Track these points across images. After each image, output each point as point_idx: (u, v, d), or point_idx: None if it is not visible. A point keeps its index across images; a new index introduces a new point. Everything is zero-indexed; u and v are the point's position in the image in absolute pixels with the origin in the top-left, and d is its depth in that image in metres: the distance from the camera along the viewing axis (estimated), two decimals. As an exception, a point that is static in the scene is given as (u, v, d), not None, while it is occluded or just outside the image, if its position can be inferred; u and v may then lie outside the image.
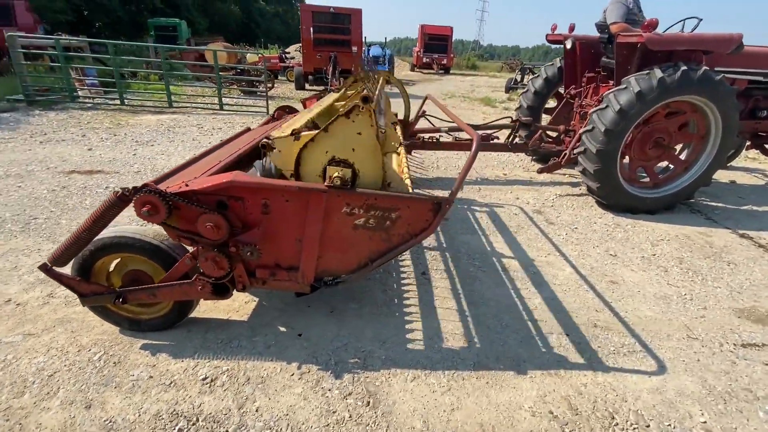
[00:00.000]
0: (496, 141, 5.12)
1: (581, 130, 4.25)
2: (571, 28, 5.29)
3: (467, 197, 4.62)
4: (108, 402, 1.82)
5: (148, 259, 2.04)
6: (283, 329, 2.33)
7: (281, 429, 1.74)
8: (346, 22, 13.14)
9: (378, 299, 2.67)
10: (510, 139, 5.12)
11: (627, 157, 4.37)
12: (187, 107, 9.51)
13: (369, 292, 2.74)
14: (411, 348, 2.25)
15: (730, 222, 4.31)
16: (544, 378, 2.10)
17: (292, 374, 2.02)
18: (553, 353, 2.28)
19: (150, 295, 2.04)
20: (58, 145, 5.84)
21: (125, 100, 9.22)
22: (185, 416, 1.77)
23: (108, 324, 2.23)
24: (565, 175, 5.60)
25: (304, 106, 4.08)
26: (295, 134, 1.94)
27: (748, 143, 5.58)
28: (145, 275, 2.11)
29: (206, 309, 2.45)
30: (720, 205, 4.79)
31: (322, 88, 11.58)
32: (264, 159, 2.21)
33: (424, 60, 26.37)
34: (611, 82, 4.61)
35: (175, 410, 1.79)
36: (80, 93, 9.38)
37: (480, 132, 4.99)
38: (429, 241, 3.47)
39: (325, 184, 1.88)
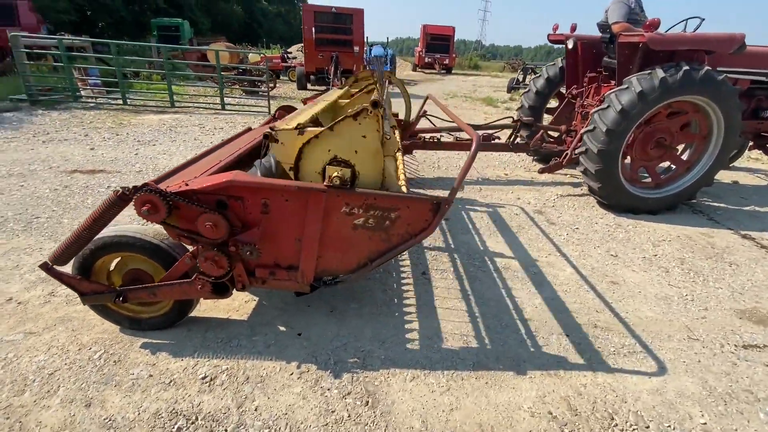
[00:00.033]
0: (497, 141, 5.11)
1: (583, 130, 4.24)
2: (573, 28, 5.28)
3: (468, 197, 4.62)
4: (108, 400, 1.82)
5: (149, 258, 2.05)
6: (282, 329, 2.34)
7: (280, 428, 1.75)
8: (348, 22, 13.15)
9: (378, 299, 2.67)
10: (511, 139, 5.11)
11: (628, 157, 4.36)
12: (189, 107, 9.54)
13: (369, 291, 2.74)
14: (410, 348, 2.25)
15: (732, 223, 4.29)
16: (544, 378, 2.09)
17: (292, 373, 2.03)
18: (552, 353, 2.28)
19: (150, 294, 2.05)
20: (61, 144, 5.86)
21: (128, 100, 9.25)
22: (184, 415, 1.77)
23: (108, 323, 2.24)
24: (566, 175, 5.59)
25: (306, 106, 4.08)
26: (300, 129, 1.94)
27: (750, 144, 5.56)
28: (146, 274, 2.11)
29: (206, 308, 2.46)
30: (722, 205, 4.77)
31: (323, 88, 11.58)
32: (262, 154, 2.20)
33: (426, 60, 26.34)
34: (613, 82, 4.59)
35: (174, 409, 1.80)
36: (83, 93, 9.42)
37: (481, 132, 5.00)
38: (429, 240, 3.47)
39: (325, 183, 1.88)
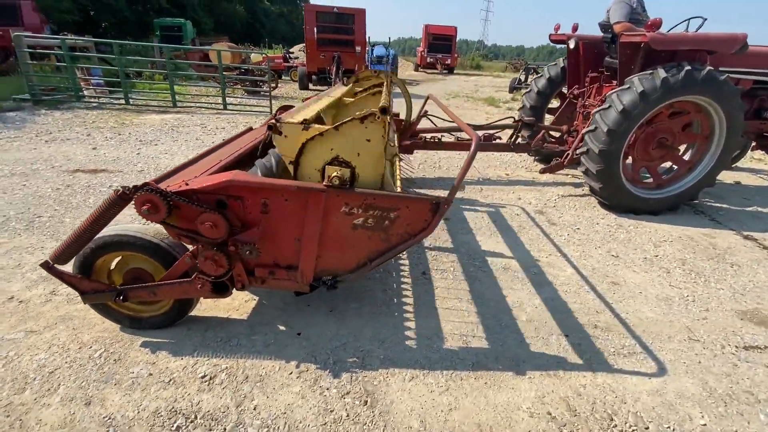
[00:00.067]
0: (498, 141, 5.10)
1: (584, 131, 4.23)
2: (575, 28, 5.27)
3: (469, 197, 4.61)
4: (108, 399, 1.83)
5: (149, 257, 2.05)
6: (282, 328, 2.34)
7: (279, 427, 1.75)
8: (350, 22, 13.17)
9: (378, 299, 2.67)
10: (512, 139, 5.11)
11: (630, 157, 4.35)
12: (191, 107, 9.56)
13: (369, 291, 2.74)
14: (410, 348, 2.25)
15: (735, 223, 4.27)
16: (543, 379, 2.09)
17: (291, 373, 2.03)
18: (552, 354, 2.27)
19: (150, 293, 2.06)
20: (63, 144, 5.89)
21: (130, 100, 9.28)
22: (184, 414, 1.78)
23: (109, 322, 2.25)
24: (567, 175, 5.58)
25: (307, 106, 4.09)
26: (306, 124, 1.93)
27: (753, 144, 5.53)
28: (146, 273, 2.12)
29: (206, 307, 2.46)
30: (724, 206, 4.76)
31: (325, 88, 11.59)
32: (259, 153, 2.20)
33: (428, 60, 26.34)
34: (614, 82, 4.58)
35: (173, 407, 1.81)
36: (86, 93, 9.46)
37: (482, 132, 4.99)
38: (429, 240, 3.47)
39: (324, 183, 1.88)
